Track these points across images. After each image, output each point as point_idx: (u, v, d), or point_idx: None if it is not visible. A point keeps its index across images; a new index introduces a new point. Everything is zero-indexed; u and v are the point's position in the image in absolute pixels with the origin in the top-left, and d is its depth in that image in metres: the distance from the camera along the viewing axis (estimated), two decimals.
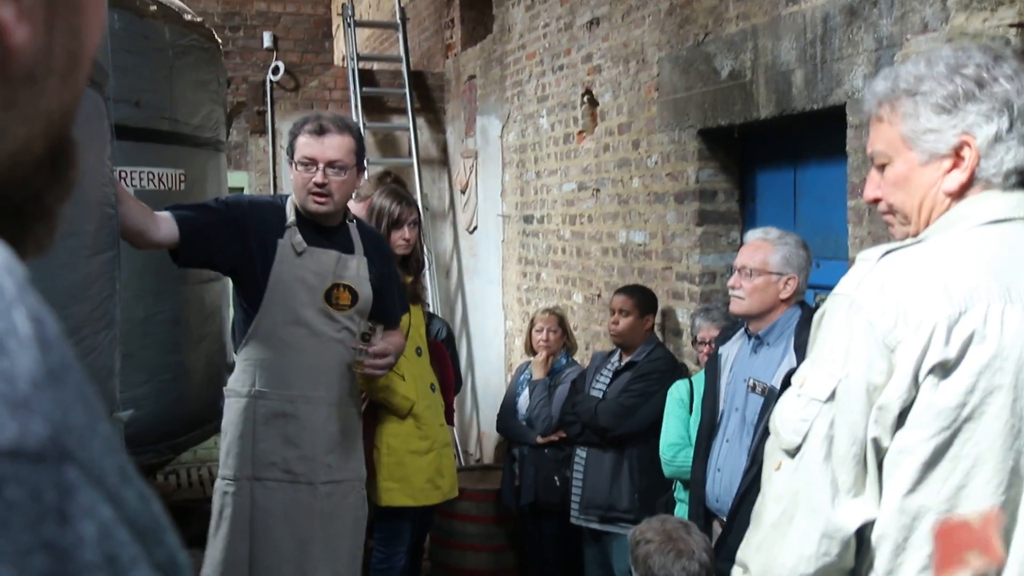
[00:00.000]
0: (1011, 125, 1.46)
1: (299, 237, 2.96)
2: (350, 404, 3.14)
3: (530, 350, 4.77)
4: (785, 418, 1.50)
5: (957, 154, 1.48)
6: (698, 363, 4.01)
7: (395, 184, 4.30)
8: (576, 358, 4.85)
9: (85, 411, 0.38)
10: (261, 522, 2.99)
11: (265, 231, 2.94)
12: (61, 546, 0.34)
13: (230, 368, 5.15)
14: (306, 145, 2.93)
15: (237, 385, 3.03)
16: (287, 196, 3.11)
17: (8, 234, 0.45)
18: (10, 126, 0.44)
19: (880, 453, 1.43)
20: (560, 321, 4.74)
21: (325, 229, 3.03)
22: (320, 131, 2.93)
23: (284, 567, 3.01)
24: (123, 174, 4.16)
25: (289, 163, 3.06)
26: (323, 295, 2.99)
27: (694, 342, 3.99)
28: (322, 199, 2.93)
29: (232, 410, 3.02)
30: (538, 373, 4.64)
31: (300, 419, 2.99)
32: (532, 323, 4.77)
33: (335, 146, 2.93)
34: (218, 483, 3.05)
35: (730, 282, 3.22)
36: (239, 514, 2.99)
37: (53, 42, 0.44)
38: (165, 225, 2.74)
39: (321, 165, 2.91)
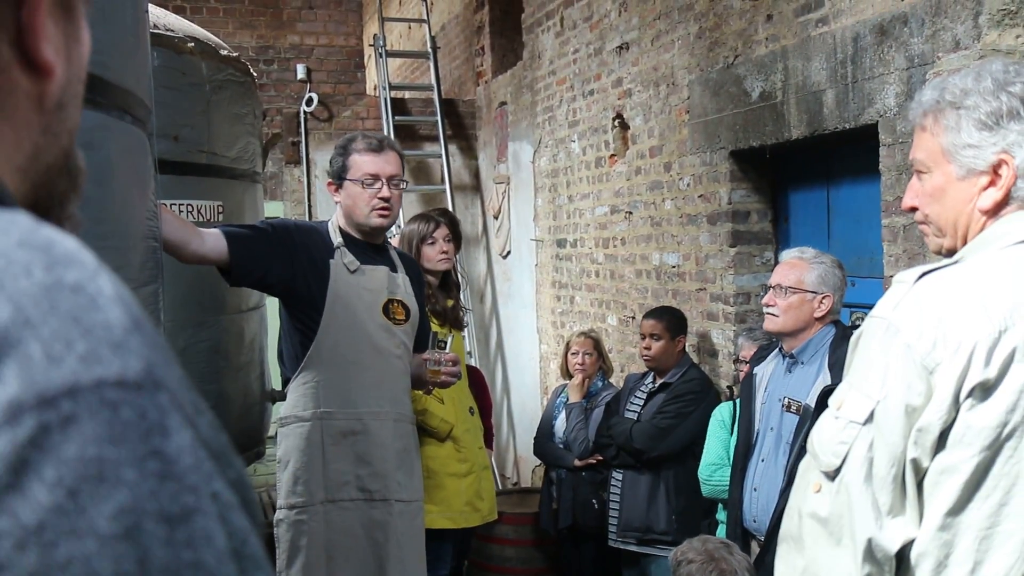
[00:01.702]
0: None
1: (351, 256, 3.02)
2: (411, 421, 3.17)
3: (566, 373, 4.78)
4: (824, 440, 1.50)
5: (995, 172, 1.48)
6: (737, 382, 4.00)
7: (443, 213, 4.33)
8: (612, 380, 4.85)
9: (165, 355, 0.47)
10: (341, 544, 2.97)
11: (314, 252, 2.98)
12: (167, 452, 0.43)
13: (271, 396, 5.21)
14: (369, 162, 3.02)
15: (297, 410, 3.00)
16: (324, 222, 3.16)
17: None
18: (48, 147, 0.53)
19: (919, 474, 1.42)
20: (596, 344, 4.75)
21: (369, 248, 3.09)
22: (379, 148, 3.05)
23: None
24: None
25: (334, 184, 3.08)
26: (381, 310, 3.04)
27: (736, 361, 3.98)
28: (386, 213, 3.03)
29: (295, 436, 2.98)
30: (574, 396, 4.64)
31: (370, 435, 3.00)
32: (568, 346, 4.78)
33: (393, 161, 3.06)
34: (284, 514, 2.97)
35: (764, 299, 3.22)
36: (315, 540, 2.95)
37: (71, 72, 0.54)
38: (212, 239, 2.77)
39: (384, 180, 3.01)
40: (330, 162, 3.15)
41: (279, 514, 3.00)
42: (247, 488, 0.48)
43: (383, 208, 3.01)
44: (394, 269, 3.13)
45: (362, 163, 3.02)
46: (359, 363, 3.00)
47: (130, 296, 0.47)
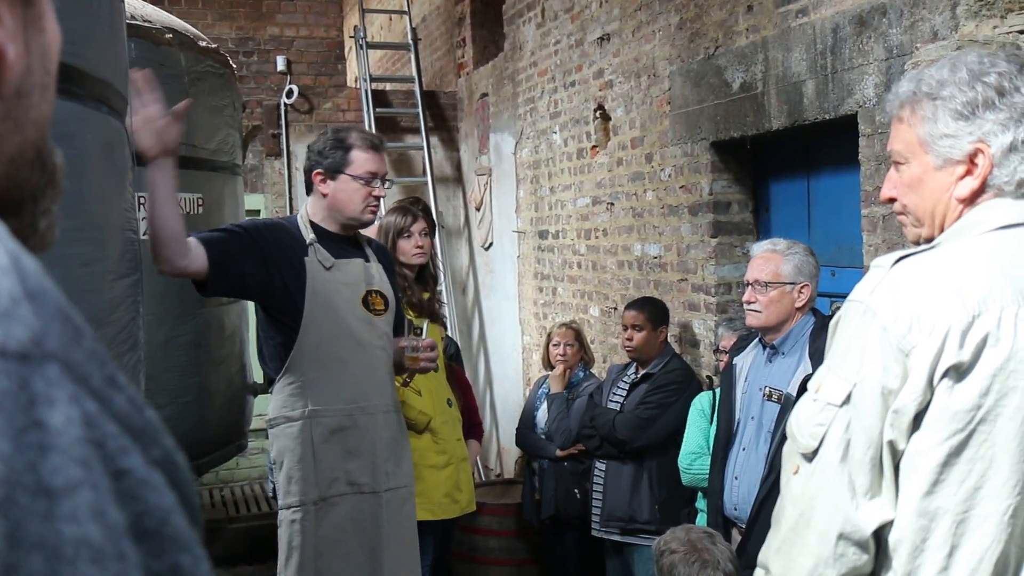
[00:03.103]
0: None
1: (324, 252, 2.99)
2: (397, 410, 3.18)
3: (548, 364, 4.79)
4: (801, 423, 1.51)
5: (971, 161, 1.49)
6: (718, 372, 4.02)
7: (414, 201, 4.32)
8: (594, 371, 4.86)
9: (66, 327, 0.45)
10: (330, 539, 2.97)
11: (288, 251, 2.95)
12: (51, 424, 0.41)
13: (253, 389, 5.18)
14: (370, 160, 3.03)
15: (286, 411, 2.97)
16: (293, 216, 3.14)
17: (15, 231, 0.51)
18: (8, 135, 0.51)
19: (896, 456, 1.44)
20: (577, 335, 4.76)
21: (341, 241, 3.08)
22: (379, 146, 3.08)
23: None
24: (143, 200, 4.21)
25: (325, 175, 3.03)
26: (360, 303, 3.03)
27: (716, 351, 4.00)
28: (375, 210, 3.09)
29: (285, 436, 2.96)
30: (556, 387, 4.65)
31: (359, 429, 3.00)
32: (549, 338, 4.79)
33: (386, 161, 3.13)
34: (283, 514, 2.97)
35: (745, 297, 3.22)
36: (308, 539, 2.95)
37: (32, 59, 0.52)
38: (193, 246, 2.73)
39: (380, 179, 3.05)
40: (317, 152, 3.05)
41: (279, 515, 2.99)
42: (177, 468, 0.47)
43: (375, 206, 3.05)
44: (367, 259, 3.12)
45: (364, 160, 3.01)
46: (343, 359, 2.99)
47: (33, 267, 0.45)
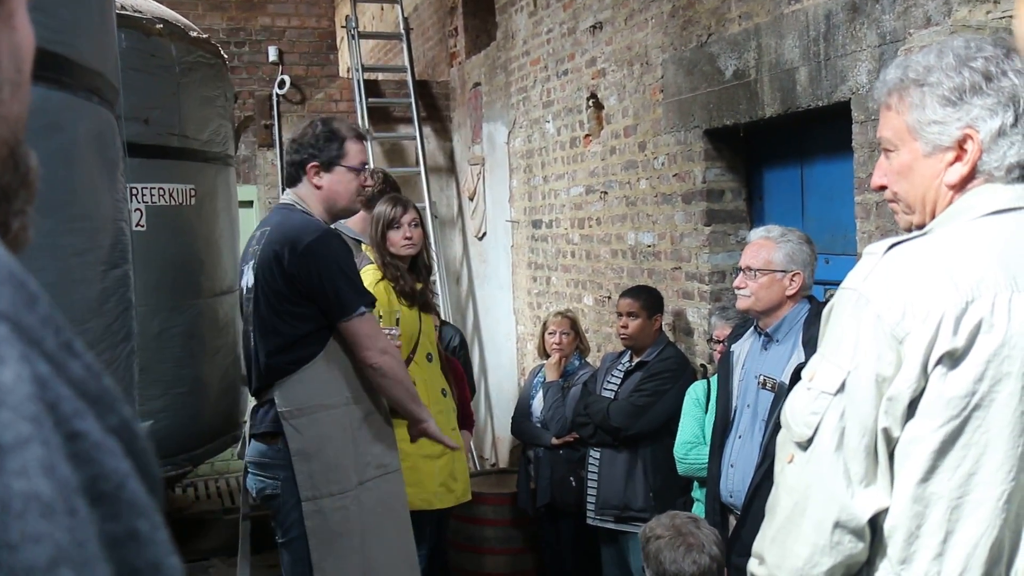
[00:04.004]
0: (1016, 120, 1.46)
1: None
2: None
3: (543, 353, 4.79)
4: (796, 411, 1.51)
5: (960, 147, 1.49)
6: (711, 361, 4.02)
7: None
8: (589, 360, 4.86)
9: (19, 292, 0.45)
10: (371, 523, 3.04)
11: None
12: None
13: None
14: (361, 150, 3.10)
15: (322, 397, 2.95)
16: (308, 214, 3.06)
17: None
18: None
19: (891, 443, 1.44)
20: (572, 324, 4.76)
21: None
22: (364, 136, 3.16)
23: (396, 557, 3.12)
24: (134, 191, 4.21)
25: (321, 167, 3.02)
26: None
27: (710, 341, 4.00)
28: (364, 199, 3.21)
29: (323, 424, 2.94)
30: (551, 375, 4.66)
31: (379, 412, 3.11)
32: (544, 326, 4.79)
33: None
34: (320, 504, 2.95)
35: (736, 282, 3.23)
36: (353, 525, 2.99)
37: (1, 57, 0.51)
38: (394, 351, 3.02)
39: (367, 168, 3.14)
40: (310, 145, 3.03)
41: (311, 505, 2.95)
42: (135, 437, 0.47)
43: (364, 195, 3.18)
44: None
45: (356, 151, 3.06)
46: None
47: None
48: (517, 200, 6.60)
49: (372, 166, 3.27)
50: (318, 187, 3.03)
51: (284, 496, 3.01)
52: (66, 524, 0.40)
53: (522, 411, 4.82)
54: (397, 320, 3.70)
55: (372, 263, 3.89)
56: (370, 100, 7.30)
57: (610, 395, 4.19)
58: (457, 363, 4.58)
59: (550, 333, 4.72)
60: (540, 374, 4.81)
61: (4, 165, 0.53)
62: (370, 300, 2.98)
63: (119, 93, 2.28)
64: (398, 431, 3.87)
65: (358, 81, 7.31)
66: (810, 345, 2.87)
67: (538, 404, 4.72)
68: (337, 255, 2.93)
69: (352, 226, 4.05)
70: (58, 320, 0.46)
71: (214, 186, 4.91)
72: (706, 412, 3.73)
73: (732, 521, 3.14)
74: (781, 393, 2.91)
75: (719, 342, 3.84)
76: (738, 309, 3.31)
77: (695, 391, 3.84)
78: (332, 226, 4.00)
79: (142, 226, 4.29)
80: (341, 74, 8.46)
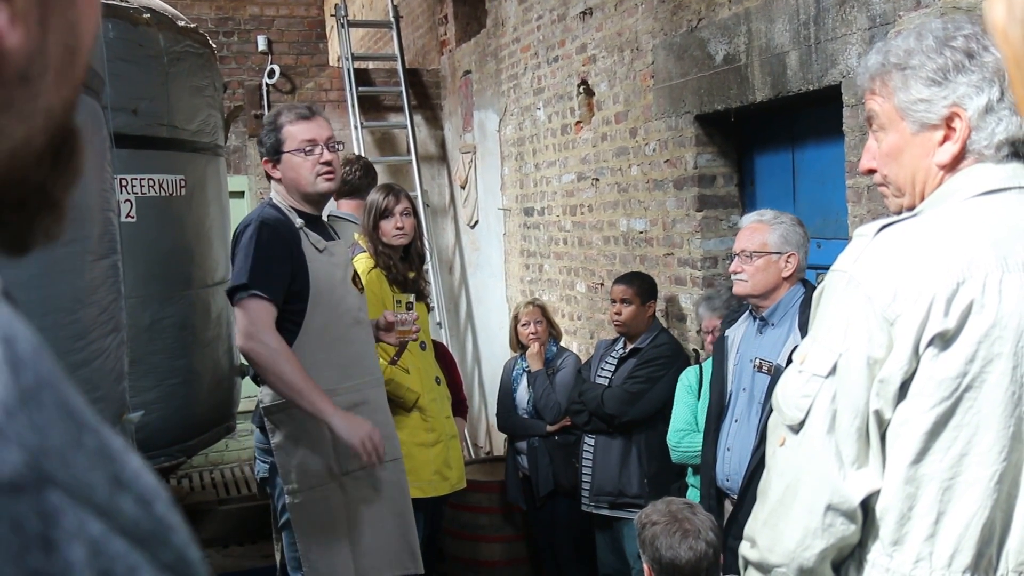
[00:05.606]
0: (1002, 94, 1.46)
1: (315, 235, 3.03)
2: (384, 383, 3.31)
3: (516, 345, 4.79)
4: (787, 394, 1.51)
5: (948, 125, 1.48)
6: (702, 348, 4.02)
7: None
8: (579, 347, 4.86)
9: (67, 427, 0.37)
10: (359, 511, 3.05)
11: (291, 243, 2.97)
12: (49, 574, 0.34)
13: (240, 371, 5.16)
14: (303, 130, 3.00)
15: None
16: (272, 204, 3.07)
17: (14, 226, 0.46)
18: (8, 126, 0.44)
19: (882, 425, 1.44)
20: (543, 311, 4.78)
21: (315, 222, 3.10)
22: (310, 114, 3.04)
23: (394, 545, 3.13)
24: (124, 182, 4.18)
25: (271, 160, 3.03)
26: (351, 282, 3.12)
27: (698, 332, 4.01)
28: (331, 176, 3.04)
29: (299, 418, 2.94)
30: (535, 364, 4.65)
31: (371, 403, 3.09)
32: (516, 318, 4.79)
33: (326, 125, 3.06)
34: (300, 496, 2.97)
35: (731, 267, 3.23)
36: (338, 514, 3.01)
37: (47, 40, 0.44)
38: (281, 340, 2.85)
39: (323, 144, 3.00)
40: (259, 142, 3.09)
41: (292, 498, 2.98)
42: (189, 565, 0.41)
43: (328, 172, 3.02)
44: (339, 237, 3.20)
45: (297, 132, 3.00)
46: (345, 338, 3.06)
47: (31, 350, 0.37)
48: (509, 188, 6.59)
49: (340, 145, 3.16)
50: (278, 179, 3.05)
51: (274, 481, 3.07)
52: None
53: (506, 405, 4.80)
54: (408, 306, 3.66)
55: (365, 251, 3.89)
56: (360, 89, 7.27)
57: (604, 382, 4.19)
58: (446, 349, 4.58)
59: (523, 324, 4.72)
60: (519, 367, 4.80)
61: (37, 159, 0.47)
62: (269, 286, 2.85)
63: (105, 83, 2.27)
64: (395, 419, 3.88)
65: (348, 70, 7.27)
66: (806, 328, 2.87)
67: (522, 396, 4.71)
68: (258, 241, 2.88)
69: (354, 211, 4.09)
70: (103, 441, 0.39)
71: (204, 177, 4.89)
72: (698, 399, 3.73)
73: (728, 506, 3.15)
74: (778, 376, 2.91)
75: (708, 332, 3.84)
76: (735, 294, 3.31)
77: (687, 377, 3.84)
78: (333, 213, 3.98)
79: (132, 217, 4.26)
80: (331, 63, 8.42)
